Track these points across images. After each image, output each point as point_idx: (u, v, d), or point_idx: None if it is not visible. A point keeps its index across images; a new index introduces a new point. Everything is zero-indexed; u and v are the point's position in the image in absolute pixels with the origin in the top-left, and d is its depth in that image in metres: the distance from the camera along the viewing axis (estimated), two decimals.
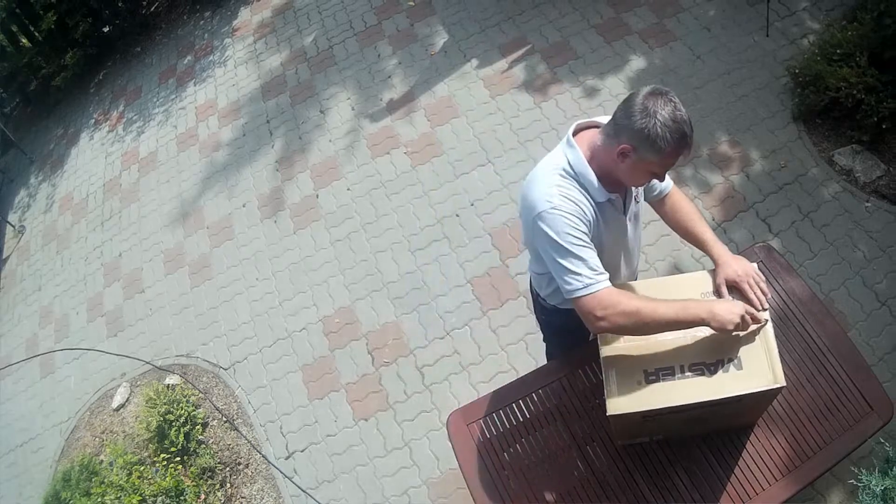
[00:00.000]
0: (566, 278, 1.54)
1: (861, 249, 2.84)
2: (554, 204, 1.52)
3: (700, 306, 1.55)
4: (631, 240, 1.83)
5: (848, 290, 2.76)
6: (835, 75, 2.99)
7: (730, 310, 1.53)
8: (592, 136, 1.61)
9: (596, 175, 1.57)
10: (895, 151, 3.01)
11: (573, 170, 1.58)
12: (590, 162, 1.58)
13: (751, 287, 1.63)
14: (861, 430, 1.75)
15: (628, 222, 1.76)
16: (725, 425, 1.79)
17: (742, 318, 1.53)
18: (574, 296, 1.54)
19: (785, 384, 1.52)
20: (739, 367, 1.55)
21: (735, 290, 1.65)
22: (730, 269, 1.66)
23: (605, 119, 1.62)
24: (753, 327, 1.58)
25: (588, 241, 1.55)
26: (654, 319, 1.52)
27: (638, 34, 3.85)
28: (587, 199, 1.57)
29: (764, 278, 1.66)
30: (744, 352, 1.57)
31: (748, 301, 1.61)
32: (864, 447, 1.88)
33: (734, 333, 1.56)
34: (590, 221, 1.57)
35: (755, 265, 1.68)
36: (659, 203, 1.86)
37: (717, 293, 1.66)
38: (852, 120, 3.04)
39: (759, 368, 1.54)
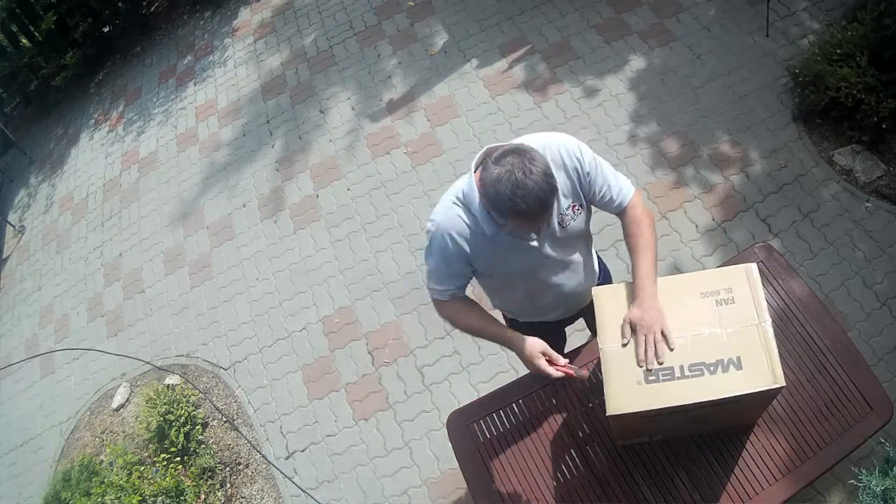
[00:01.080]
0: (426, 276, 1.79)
1: (861, 249, 2.84)
2: (436, 228, 1.64)
3: (514, 344, 1.74)
4: (562, 263, 1.77)
5: (848, 290, 2.76)
6: (835, 75, 2.99)
7: (529, 360, 1.72)
8: None
9: (487, 209, 1.55)
10: (895, 151, 3.01)
11: (464, 199, 1.61)
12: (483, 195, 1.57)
13: (645, 341, 1.59)
14: (861, 430, 1.75)
15: (548, 248, 1.69)
16: (726, 425, 1.79)
17: (537, 365, 1.69)
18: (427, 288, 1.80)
19: (785, 384, 1.52)
20: (739, 367, 1.55)
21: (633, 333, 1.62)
22: (637, 312, 1.62)
23: (515, 141, 1.57)
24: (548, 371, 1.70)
25: (453, 266, 1.68)
26: (478, 335, 1.83)
27: (638, 34, 3.86)
28: (476, 227, 1.61)
29: (663, 340, 1.59)
30: (743, 352, 1.57)
31: (636, 348, 1.60)
32: (864, 447, 1.88)
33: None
34: (472, 248, 1.63)
35: (667, 324, 1.60)
36: (619, 216, 1.76)
37: (622, 329, 1.64)
38: (852, 120, 3.04)
39: (758, 368, 1.54)
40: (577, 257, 1.82)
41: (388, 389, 3.13)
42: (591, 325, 2.25)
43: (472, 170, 1.60)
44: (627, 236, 1.73)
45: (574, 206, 1.67)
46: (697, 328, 1.62)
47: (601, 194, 1.69)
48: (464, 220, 1.61)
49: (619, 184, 1.71)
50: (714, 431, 1.81)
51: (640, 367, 1.59)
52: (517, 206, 1.41)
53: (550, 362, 1.70)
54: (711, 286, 1.68)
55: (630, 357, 1.62)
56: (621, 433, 1.83)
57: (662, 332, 1.60)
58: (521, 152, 1.43)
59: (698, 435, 1.82)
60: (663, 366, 1.59)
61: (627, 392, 1.57)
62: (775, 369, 1.53)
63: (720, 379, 1.54)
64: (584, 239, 1.82)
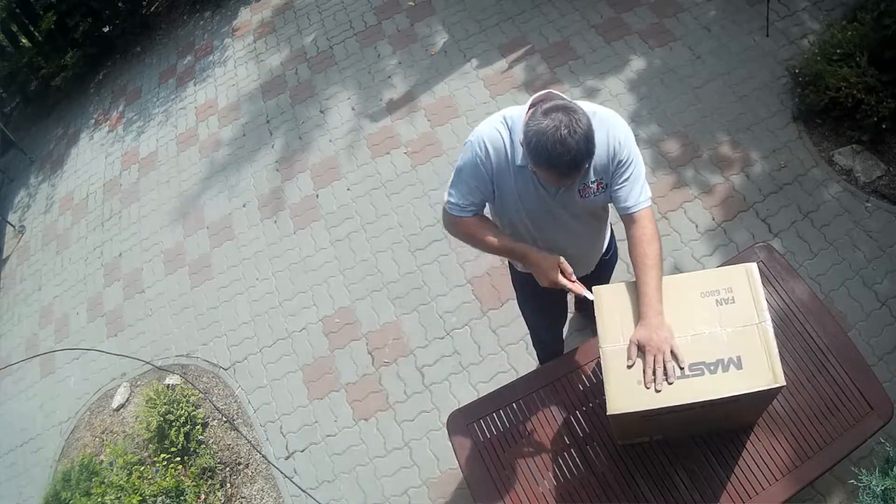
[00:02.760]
0: (446, 192, 1.79)
1: (861, 249, 2.84)
2: (477, 135, 1.69)
3: (526, 257, 1.76)
4: (562, 223, 1.79)
5: (848, 290, 2.75)
6: (835, 75, 2.99)
7: (546, 272, 1.73)
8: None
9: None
10: (895, 151, 3.01)
11: (509, 122, 1.67)
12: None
13: (654, 360, 1.57)
14: (861, 430, 1.76)
15: (557, 203, 1.72)
16: (725, 425, 1.79)
17: (554, 279, 1.72)
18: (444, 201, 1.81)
19: (785, 384, 1.52)
20: (739, 367, 1.55)
21: (640, 353, 1.61)
22: (645, 332, 1.60)
23: (562, 94, 1.62)
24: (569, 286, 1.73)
25: (479, 178, 1.71)
26: (484, 249, 1.84)
27: (638, 34, 3.85)
28: (511, 152, 1.66)
29: (672, 360, 1.58)
30: (744, 351, 1.57)
31: (644, 369, 1.58)
32: (864, 447, 1.88)
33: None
34: (495, 170, 1.69)
35: (676, 343, 1.59)
36: (625, 224, 1.74)
37: (628, 350, 1.62)
38: (852, 120, 3.04)
39: (758, 368, 1.54)
40: (584, 228, 1.86)
41: (388, 389, 3.13)
42: (592, 326, 2.27)
43: (527, 107, 1.62)
44: (636, 249, 1.69)
45: (599, 184, 1.70)
46: (698, 328, 1.62)
47: (619, 188, 1.69)
48: (503, 140, 1.67)
49: (640, 190, 1.69)
50: (714, 431, 1.81)
51: (648, 388, 1.57)
52: (552, 161, 1.47)
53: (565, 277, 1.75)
54: (712, 286, 1.68)
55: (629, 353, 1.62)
56: (622, 433, 1.83)
57: (672, 352, 1.59)
58: (569, 110, 1.47)
59: (698, 435, 1.82)
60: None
61: (628, 392, 1.57)
62: (775, 369, 1.53)
63: (720, 378, 1.54)
64: (597, 216, 1.87)
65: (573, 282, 1.75)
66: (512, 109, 1.69)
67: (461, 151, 1.75)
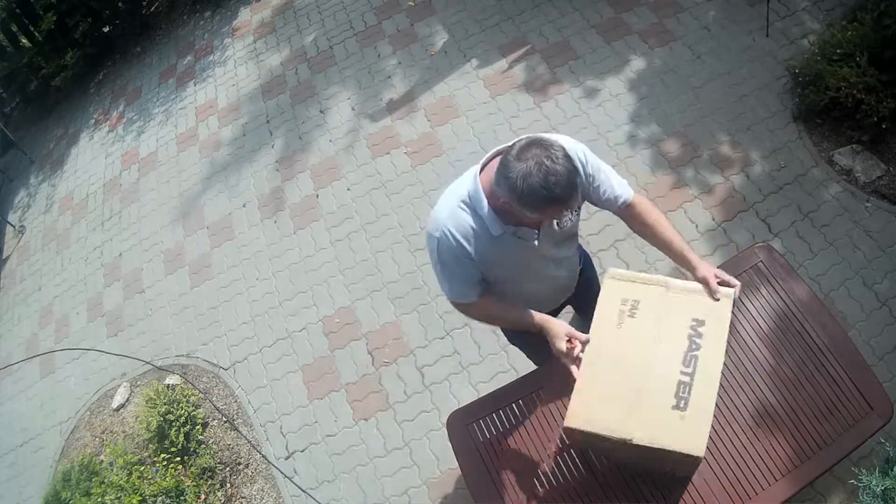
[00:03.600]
0: (441, 286, 1.78)
1: (861, 249, 2.84)
2: (441, 228, 1.64)
3: (538, 324, 1.73)
4: (556, 260, 1.82)
5: (848, 290, 2.75)
6: (835, 75, 2.99)
7: (554, 338, 1.70)
8: (495, 166, 1.57)
9: (494, 209, 1.59)
10: (895, 151, 3.01)
11: (470, 202, 1.61)
12: (489, 198, 1.58)
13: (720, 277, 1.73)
14: (861, 430, 1.75)
15: (545, 246, 1.72)
16: (657, 470, 1.77)
17: (561, 349, 1.67)
18: (447, 296, 1.80)
19: (702, 457, 1.49)
20: (681, 420, 1.52)
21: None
22: (710, 269, 1.74)
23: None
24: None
25: (463, 268, 1.67)
26: (502, 325, 1.95)
27: (638, 34, 3.85)
28: (482, 231, 1.61)
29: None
30: (694, 404, 1.54)
31: (726, 283, 1.72)
32: (864, 447, 1.88)
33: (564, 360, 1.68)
34: (477, 250, 1.64)
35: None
36: (623, 213, 1.81)
37: (710, 286, 1.70)
38: (852, 120, 3.04)
39: (691, 430, 1.51)
40: (569, 252, 1.88)
41: (388, 389, 3.13)
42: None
43: (477, 172, 1.60)
44: (647, 219, 1.79)
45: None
46: (676, 367, 1.60)
47: (605, 195, 1.73)
48: (471, 224, 1.62)
49: (621, 182, 1.77)
50: (645, 472, 1.79)
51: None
52: (553, 193, 1.42)
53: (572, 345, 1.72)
54: (700, 313, 1.67)
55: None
56: (573, 440, 1.85)
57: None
58: (539, 142, 1.45)
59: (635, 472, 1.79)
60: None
61: (591, 408, 1.58)
62: (701, 437, 1.50)
63: (659, 425, 1.52)
64: (573, 236, 1.87)
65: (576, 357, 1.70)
66: (456, 189, 1.65)
67: (429, 244, 1.70)
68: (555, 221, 1.66)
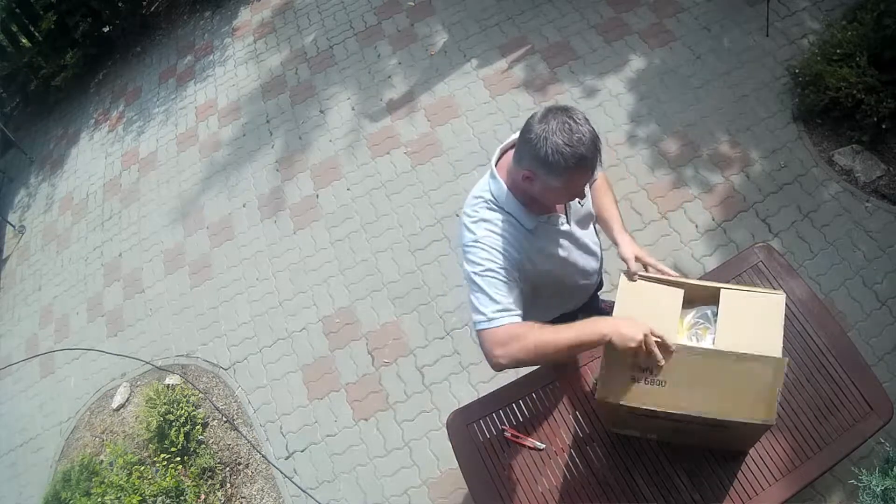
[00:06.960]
0: (473, 310, 1.55)
1: (861, 249, 2.84)
2: (477, 237, 1.54)
3: (604, 323, 1.50)
4: (584, 244, 1.79)
5: (848, 290, 2.76)
6: (835, 75, 2.99)
7: (634, 326, 1.47)
8: (510, 159, 1.55)
9: (521, 202, 1.56)
10: (895, 151, 3.01)
11: (497, 202, 1.56)
12: (512, 189, 1.55)
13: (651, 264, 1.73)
14: (861, 430, 1.75)
15: (574, 228, 1.72)
16: (716, 446, 1.76)
17: (645, 336, 1.47)
18: (477, 328, 1.54)
19: (773, 423, 1.47)
20: (739, 394, 1.49)
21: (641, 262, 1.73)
22: (636, 248, 1.76)
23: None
24: (655, 351, 1.49)
25: (506, 275, 1.52)
26: (555, 349, 1.48)
27: (638, 34, 3.85)
28: (517, 228, 1.56)
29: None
30: (748, 381, 1.50)
31: (659, 271, 1.71)
32: (864, 447, 1.87)
33: (635, 353, 1.49)
34: (520, 252, 1.56)
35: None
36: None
37: (629, 267, 1.72)
38: (852, 120, 3.04)
39: (756, 400, 1.48)
40: (592, 233, 1.88)
41: (388, 389, 3.13)
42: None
43: (494, 169, 1.59)
44: (594, 198, 1.84)
45: None
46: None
47: None
48: (505, 224, 1.55)
49: None
50: (704, 447, 1.79)
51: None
52: (578, 151, 1.38)
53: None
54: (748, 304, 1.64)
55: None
56: (609, 420, 1.82)
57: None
58: (557, 108, 1.42)
59: (692, 445, 1.80)
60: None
61: (620, 383, 1.54)
62: (770, 405, 1.48)
63: (715, 399, 1.50)
64: (591, 215, 1.85)
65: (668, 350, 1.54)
66: (483, 190, 1.59)
67: (466, 255, 1.54)
68: (576, 199, 1.64)
